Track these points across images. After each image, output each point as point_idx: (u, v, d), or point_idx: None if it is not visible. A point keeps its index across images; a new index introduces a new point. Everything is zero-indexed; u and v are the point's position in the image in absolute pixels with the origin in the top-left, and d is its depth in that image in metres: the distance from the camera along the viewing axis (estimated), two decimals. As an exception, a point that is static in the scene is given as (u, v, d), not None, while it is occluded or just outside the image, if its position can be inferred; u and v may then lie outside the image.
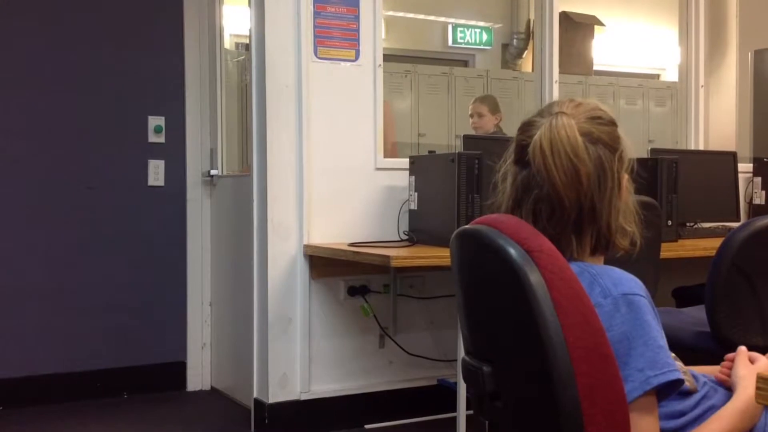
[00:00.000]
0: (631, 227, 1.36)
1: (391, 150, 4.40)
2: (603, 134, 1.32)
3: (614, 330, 1.22)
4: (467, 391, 1.42)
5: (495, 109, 4.86)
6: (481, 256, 1.31)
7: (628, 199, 1.36)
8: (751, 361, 1.47)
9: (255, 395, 3.27)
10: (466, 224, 1.38)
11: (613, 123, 1.35)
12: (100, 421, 3.49)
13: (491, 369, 1.29)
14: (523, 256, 1.20)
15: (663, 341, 1.24)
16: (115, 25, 3.86)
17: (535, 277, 1.18)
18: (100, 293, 3.81)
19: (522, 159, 1.34)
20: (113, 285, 3.83)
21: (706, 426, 1.32)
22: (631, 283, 1.27)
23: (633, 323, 1.23)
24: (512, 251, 1.21)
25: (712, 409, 1.35)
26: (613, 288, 1.25)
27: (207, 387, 3.99)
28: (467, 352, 1.40)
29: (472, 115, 4.90)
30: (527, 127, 1.35)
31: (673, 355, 1.36)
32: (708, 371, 1.49)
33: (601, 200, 1.31)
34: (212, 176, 3.97)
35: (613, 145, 1.33)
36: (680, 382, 1.24)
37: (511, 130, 5.80)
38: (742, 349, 1.50)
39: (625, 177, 1.35)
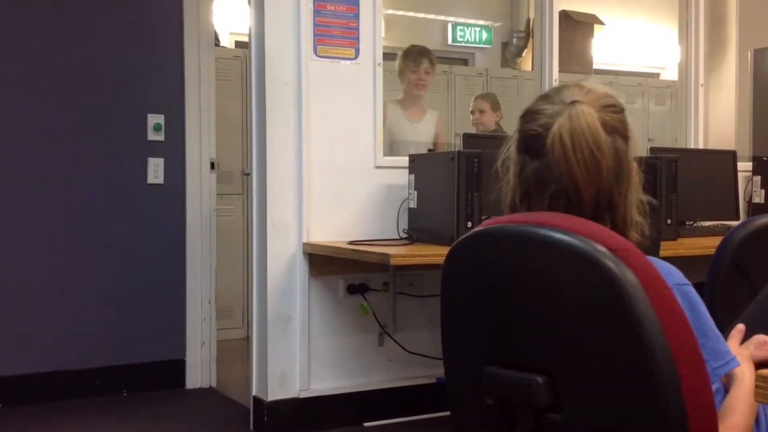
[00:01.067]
0: (639, 218, 1.31)
1: None
2: (617, 123, 1.27)
3: None
4: (485, 400, 1.27)
5: (496, 106, 4.89)
6: (531, 256, 1.19)
7: (639, 189, 1.31)
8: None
9: (254, 393, 3.27)
10: (466, 222, 1.36)
11: (623, 109, 1.29)
12: (98, 419, 3.49)
13: (548, 380, 1.16)
14: (609, 255, 1.10)
15: (716, 329, 1.21)
16: (114, 23, 3.86)
17: (628, 277, 1.08)
18: (99, 291, 3.81)
19: (532, 149, 1.27)
20: (112, 283, 3.83)
21: (724, 411, 1.26)
22: (677, 273, 1.23)
23: (690, 314, 1.16)
24: (600, 250, 1.10)
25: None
26: (666, 279, 1.16)
27: (206, 385, 3.99)
28: (492, 363, 1.25)
29: (473, 112, 4.92)
30: (534, 116, 1.28)
31: None
32: None
33: (619, 194, 1.26)
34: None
35: (626, 133, 1.28)
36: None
37: (510, 128, 5.79)
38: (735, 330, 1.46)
39: (635, 166, 1.30)
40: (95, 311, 3.79)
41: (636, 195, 1.30)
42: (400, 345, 3.38)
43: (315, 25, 3.21)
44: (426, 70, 3.98)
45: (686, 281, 1.22)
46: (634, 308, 1.07)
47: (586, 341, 1.14)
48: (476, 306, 1.27)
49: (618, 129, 1.26)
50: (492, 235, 1.24)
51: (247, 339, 3.44)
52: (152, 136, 3.91)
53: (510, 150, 1.33)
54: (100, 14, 3.84)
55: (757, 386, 0.91)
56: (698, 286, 2.70)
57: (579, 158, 1.22)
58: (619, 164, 1.25)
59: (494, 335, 1.26)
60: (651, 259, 1.19)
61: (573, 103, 1.24)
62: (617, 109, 1.28)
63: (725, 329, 2.39)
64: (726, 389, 1.34)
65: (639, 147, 1.31)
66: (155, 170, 3.91)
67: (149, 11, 3.93)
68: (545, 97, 1.30)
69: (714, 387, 1.31)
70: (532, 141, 1.27)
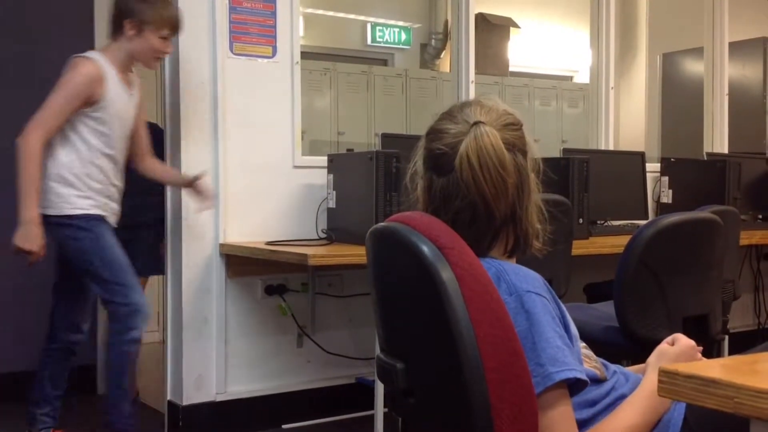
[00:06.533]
0: (538, 225, 1.39)
1: None
2: (516, 140, 1.35)
3: (518, 326, 1.24)
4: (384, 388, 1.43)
5: None
6: (394, 253, 1.32)
7: (537, 197, 1.40)
8: (674, 342, 1.49)
9: (168, 397, 3.20)
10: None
11: (521, 126, 1.38)
12: (3, 425, 3.35)
13: (404, 366, 1.30)
14: (435, 252, 1.21)
15: (561, 341, 1.26)
16: (18, 17, 3.72)
17: (446, 274, 1.20)
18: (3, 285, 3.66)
19: (438, 167, 1.34)
20: (8, 282, 3.69)
21: (618, 412, 1.34)
22: (535, 281, 1.30)
23: (534, 320, 1.25)
24: (425, 248, 1.22)
25: (623, 398, 1.38)
26: (519, 285, 1.28)
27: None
28: (382, 350, 1.40)
29: None
30: (439, 135, 1.35)
31: (584, 344, 1.39)
32: (636, 369, 1.52)
33: (521, 206, 1.34)
34: None
35: (524, 148, 1.36)
36: (582, 381, 1.26)
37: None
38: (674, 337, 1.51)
39: (532, 176, 1.38)
40: (3, 309, 3.65)
41: (535, 203, 1.39)
42: (319, 346, 3.37)
43: (231, 22, 3.16)
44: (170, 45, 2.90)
45: (541, 292, 1.29)
46: (447, 303, 1.18)
47: (420, 332, 1.28)
48: (373, 294, 1.41)
49: (517, 145, 1.35)
50: (373, 234, 1.37)
51: (163, 342, 3.36)
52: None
53: (417, 165, 1.40)
54: None
55: (660, 381, 0.94)
56: (609, 284, 2.79)
57: (487, 177, 1.30)
58: (520, 178, 1.34)
59: (380, 322, 1.41)
60: (513, 265, 1.33)
61: (476, 123, 1.32)
62: (516, 127, 1.37)
63: (632, 324, 2.47)
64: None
65: (536, 154, 1.40)
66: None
67: (58, 7, 3.80)
68: (448, 116, 1.36)
69: (613, 381, 1.38)
70: (438, 159, 1.34)
